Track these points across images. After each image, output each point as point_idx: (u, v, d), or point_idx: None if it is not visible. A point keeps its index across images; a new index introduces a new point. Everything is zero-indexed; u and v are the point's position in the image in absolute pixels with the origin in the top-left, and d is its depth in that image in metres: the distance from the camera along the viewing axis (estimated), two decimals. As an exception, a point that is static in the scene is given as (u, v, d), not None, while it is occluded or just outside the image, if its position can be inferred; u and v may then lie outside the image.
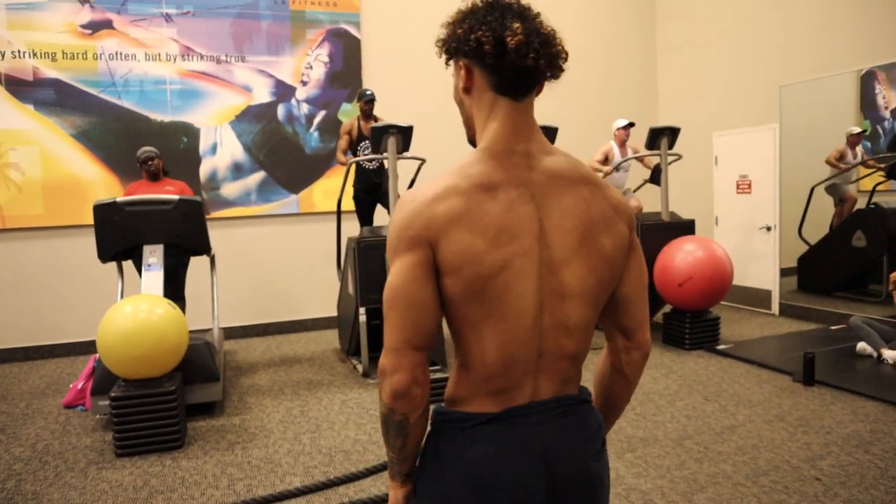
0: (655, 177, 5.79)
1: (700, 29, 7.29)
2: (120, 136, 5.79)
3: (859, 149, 6.05)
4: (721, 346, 5.09)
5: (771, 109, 6.41)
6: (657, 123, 7.43)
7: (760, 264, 6.53)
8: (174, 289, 4.75)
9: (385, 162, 5.03)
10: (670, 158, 5.67)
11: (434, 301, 1.01)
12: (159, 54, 5.87)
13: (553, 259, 1.02)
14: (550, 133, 5.38)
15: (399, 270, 1.00)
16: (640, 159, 6.18)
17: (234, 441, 3.54)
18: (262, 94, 6.20)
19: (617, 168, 6.08)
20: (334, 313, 6.08)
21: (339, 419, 3.83)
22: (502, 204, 1.00)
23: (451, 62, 1.09)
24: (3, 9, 5.42)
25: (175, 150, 5.90)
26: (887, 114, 5.73)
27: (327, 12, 6.35)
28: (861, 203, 6.22)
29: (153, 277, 3.98)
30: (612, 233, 1.07)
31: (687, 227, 5.52)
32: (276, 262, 6.35)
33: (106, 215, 3.95)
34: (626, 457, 3.18)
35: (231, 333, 6.14)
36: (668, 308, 5.46)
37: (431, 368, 4.16)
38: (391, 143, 4.51)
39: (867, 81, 5.75)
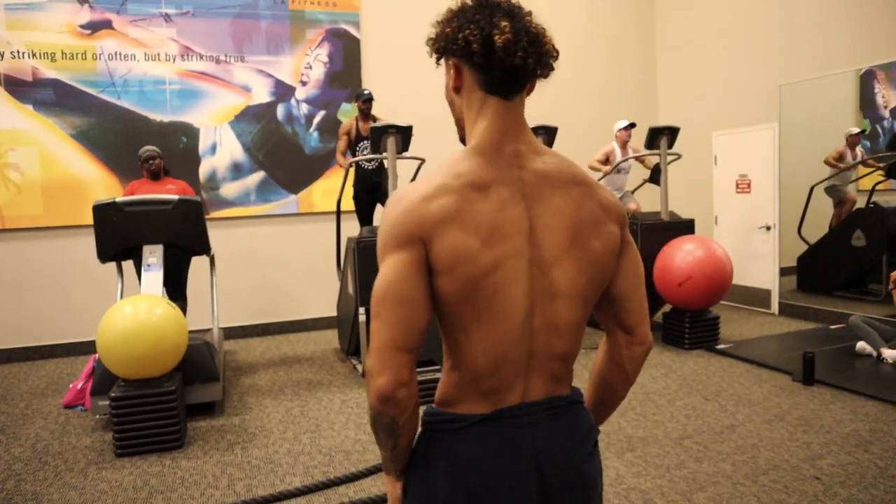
0: (655, 176, 5.79)
1: (700, 29, 7.29)
2: (119, 136, 5.79)
3: (859, 149, 6.05)
4: (721, 346, 5.09)
5: (770, 109, 6.41)
6: (657, 123, 7.43)
7: (760, 264, 6.54)
8: (176, 289, 4.75)
9: (384, 162, 5.03)
10: (670, 158, 5.68)
11: (426, 299, 0.99)
12: (159, 54, 5.87)
13: (544, 259, 1.02)
14: (550, 133, 5.38)
15: (391, 267, 0.99)
16: (639, 159, 6.18)
17: (233, 441, 3.54)
18: (262, 94, 6.20)
19: (618, 170, 6.08)
20: (334, 313, 6.08)
21: (339, 419, 3.83)
22: (494, 203, 1.00)
23: (442, 61, 1.09)
24: (3, 9, 5.41)
25: (174, 150, 5.90)
26: (886, 113, 5.73)
27: (327, 12, 6.35)
28: (861, 202, 6.22)
29: (153, 277, 3.98)
30: (602, 233, 1.06)
31: (686, 227, 5.52)
32: (276, 262, 6.35)
33: (105, 215, 3.95)
34: (625, 456, 3.18)
35: (231, 333, 6.15)
36: (667, 307, 5.46)
37: (430, 368, 4.16)
38: (391, 142, 4.51)
39: (867, 81, 5.75)
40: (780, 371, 4.44)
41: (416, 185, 1.03)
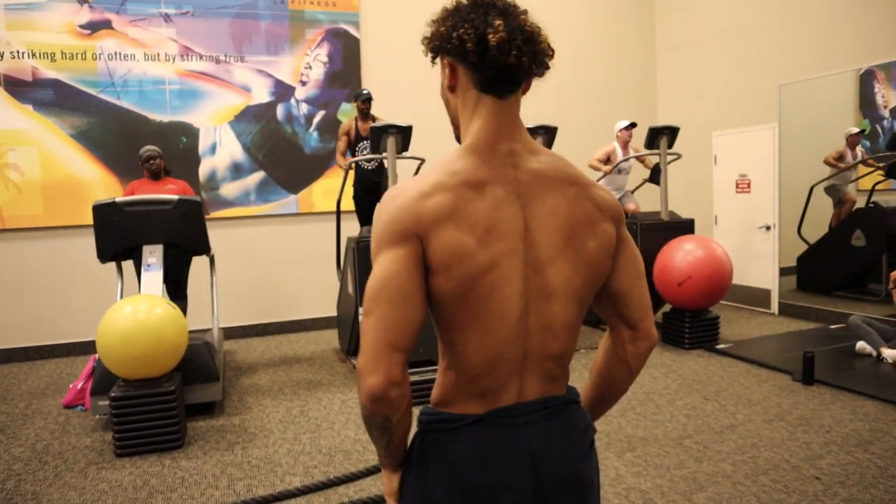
0: (655, 176, 5.79)
1: (700, 29, 7.29)
2: (119, 136, 5.79)
3: (859, 149, 6.05)
4: (720, 346, 5.09)
5: (770, 108, 6.41)
6: (657, 123, 7.43)
7: (760, 263, 6.54)
8: (176, 289, 4.75)
9: (384, 162, 5.03)
10: (670, 158, 5.68)
11: (422, 297, 0.98)
12: (158, 54, 5.87)
13: (538, 259, 1.01)
14: (550, 133, 5.38)
15: (387, 263, 0.97)
16: (640, 159, 6.18)
17: (233, 441, 3.54)
18: (262, 93, 6.20)
19: (618, 170, 6.08)
20: (334, 313, 6.07)
21: (339, 419, 3.83)
22: (490, 202, 0.99)
23: (438, 60, 1.09)
24: (2, 9, 5.41)
25: (174, 150, 5.90)
26: (886, 113, 5.74)
27: (326, 12, 6.35)
28: (860, 202, 6.22)
29: (152, 277, 3.98)
30: (597, 232, 1.06)
31: (686, 227, 5.52)
32: (276, 262, 6.35)
33: (105, 215, 3.94)
34: (625, 456, 3.18)
35: (231, 333, 6.14)
36: (667, 307, 5.46)
37: (429, 368, 4.16)
38: (390, 142, 4.51)
39: (866, 80, 5.76)
40: (779, 371, 4.44)
41: (411, 182, 1.02)
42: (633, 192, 6.56)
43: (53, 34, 5.57)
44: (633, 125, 6.13)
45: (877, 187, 6.08)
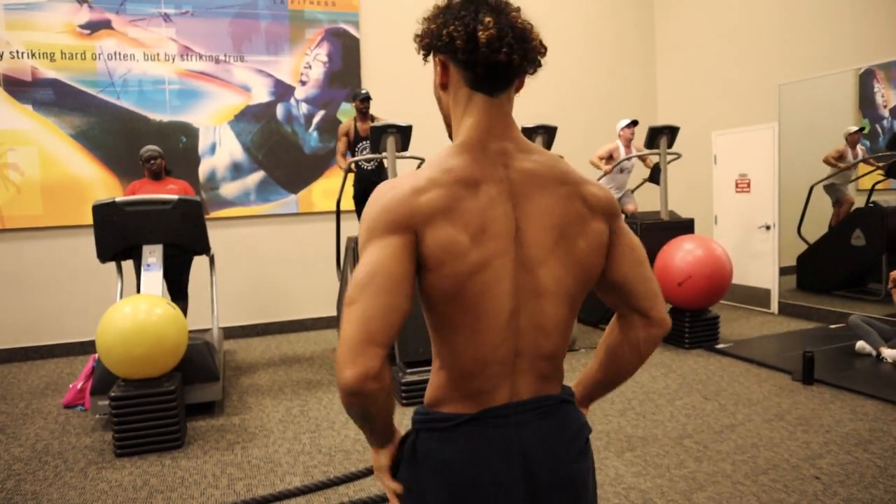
0: (655, 176, 5.80)
1: (699, 28, 7.29)
2: (119, 136, 5.79)
3: (859, 148, 6.05)
4: (720, 345, 5.09)
5: (770, 108, 6.41)
6: (656, 122, 7.43)
7: (760, 263, 6.54)
8: (177, 289, 4.75)
9: (384, 161, 5.03)
10: (669, 157, 5.68)
11: (411, 288, 0.96)
12: (158, 54, 5.87)
13: (530, 258, 1.01)
14: (550, 133, 5.38)
15: (378, 250, 0.95)
16: (641, 158, 6.18)
17: (233, 441, 3.54)
18: (261, 93, 6.20)
19: (620, 169, 6.09)
20: (334, 313, 6.08)
21: (339, 419, 3.83)
22: (483, 201, 0.99)
23: (430, 58, 1.08)
24: (2, 9, 5.41)
25: (174, 149, 5.90)
26: (886, 112, 5.74)
27: (326, 12, 6.35)
28: (860, 202, 6.22)
29: (152, 277, 3.98)
30: (587, 232, 1.05)
31: (686, 226, 5.52)
32: (276, 261, 6.35)
33: (105, 215, 3.95)
34: (625, 456, 3.18)
35: (231, 333, 6.14)
36: (667, 307, 5.45)
37: (429, 368, 4.15)
38: (390, 142, 4.51)
39: (866, 80, 5.76)
40: (779, 370, 4.44)
41: (404, 177, 1.01)
42: (633, 191, 6.56)
43: (53, 34, 5.57)
44: (635, 123, 6.13)
45: (876, 187, 6.09)
